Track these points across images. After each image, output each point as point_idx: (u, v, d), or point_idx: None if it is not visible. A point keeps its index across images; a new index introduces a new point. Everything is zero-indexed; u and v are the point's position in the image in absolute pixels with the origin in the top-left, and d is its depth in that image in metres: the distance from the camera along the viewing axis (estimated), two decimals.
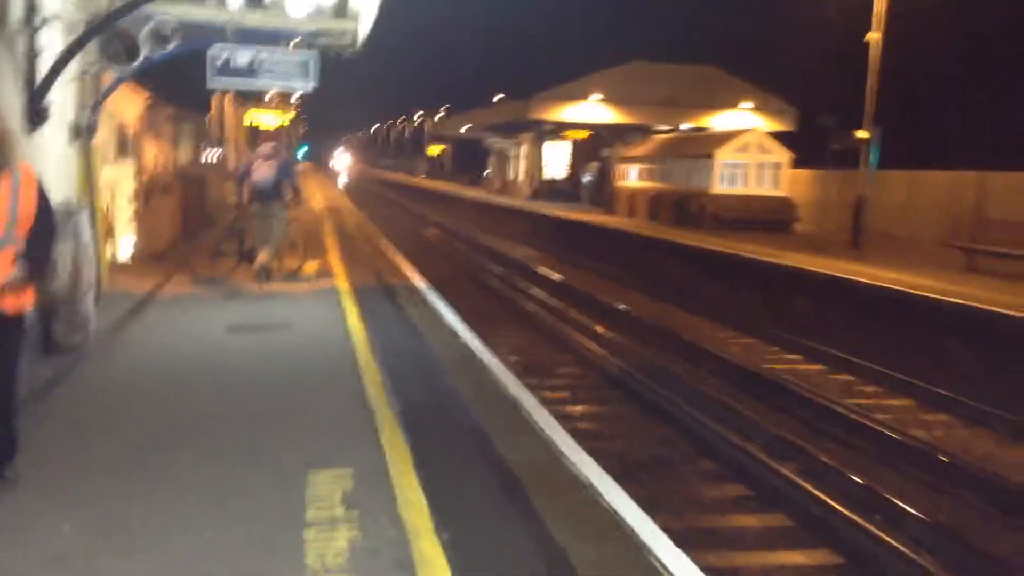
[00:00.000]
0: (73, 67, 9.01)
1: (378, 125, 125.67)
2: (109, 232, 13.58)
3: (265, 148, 12.79)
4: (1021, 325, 11.64)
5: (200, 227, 19.83)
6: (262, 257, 12.18)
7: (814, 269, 16.34)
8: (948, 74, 40.90)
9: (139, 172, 14.76)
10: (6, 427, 4.86)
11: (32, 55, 7.65)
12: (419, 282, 13.61)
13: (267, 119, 33.49)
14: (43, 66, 7.80)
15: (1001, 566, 6.62)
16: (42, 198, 4.70)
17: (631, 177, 33.24)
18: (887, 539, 6.65)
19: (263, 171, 12.19)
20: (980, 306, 12.47)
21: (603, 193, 36.75)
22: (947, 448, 9.14)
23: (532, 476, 5.24)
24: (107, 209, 12.63)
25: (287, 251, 13.43)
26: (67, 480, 4.97)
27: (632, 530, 4.47)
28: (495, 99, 52.39)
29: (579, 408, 10.42)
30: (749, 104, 39.05)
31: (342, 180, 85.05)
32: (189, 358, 8.03)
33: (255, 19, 9.94)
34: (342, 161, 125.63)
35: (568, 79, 40.22)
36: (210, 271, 12.81)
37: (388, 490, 4.89)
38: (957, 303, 12.77)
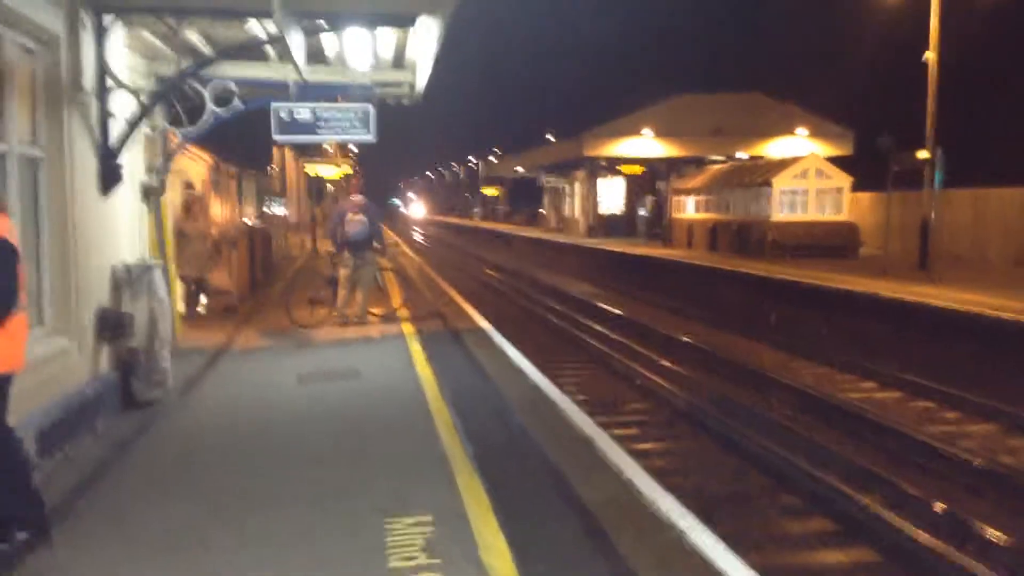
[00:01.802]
0: (141, 130, 9.31)
1: (428, 173, 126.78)
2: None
3: (356, 200, 13.49)
4: None
5: (268, 279, 20.19)
6: (358, 302, 13.33)
7: (887, 294, 15.99)
8: (1006, 88, 40.06)
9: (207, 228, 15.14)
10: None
11: (104, 120, 7.92)
12: (482, 323, 13.65)
13: (326, 171, 34.21)
14: (115, 130, 8.07)
15: None
16: None
17: (688, 209, 33.06)
18: (978, 569, 6.40)
19: (356, 223, 13.12)
20: None
21: (660, 226, 36.59)
22: None
23: (611, 515, 5.17)
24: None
25: (375, 297, 14.13)
26: (149, 531, 5.05)
27: (721, 571, 4.37)
28: (548, 138, 52.83)
29: (651, 444, 10.27)
30: (804, 130, 38.68)
31: (417, 235, 73.18)
32: (263, 409, 8.14)
33: (318, 75, 10.17)
34: (417, 210, 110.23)
35: (618, 115, 40.42)
36: (308, 318, 13.22)
37: (468, 535, 4.86)
38: None
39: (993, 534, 7.13)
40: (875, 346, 15.30)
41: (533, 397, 8.53)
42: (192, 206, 13.46)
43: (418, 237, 74.62)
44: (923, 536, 7.02)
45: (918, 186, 22.15)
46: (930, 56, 20.97)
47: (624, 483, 5.77)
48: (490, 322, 13.82)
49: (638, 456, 8.15)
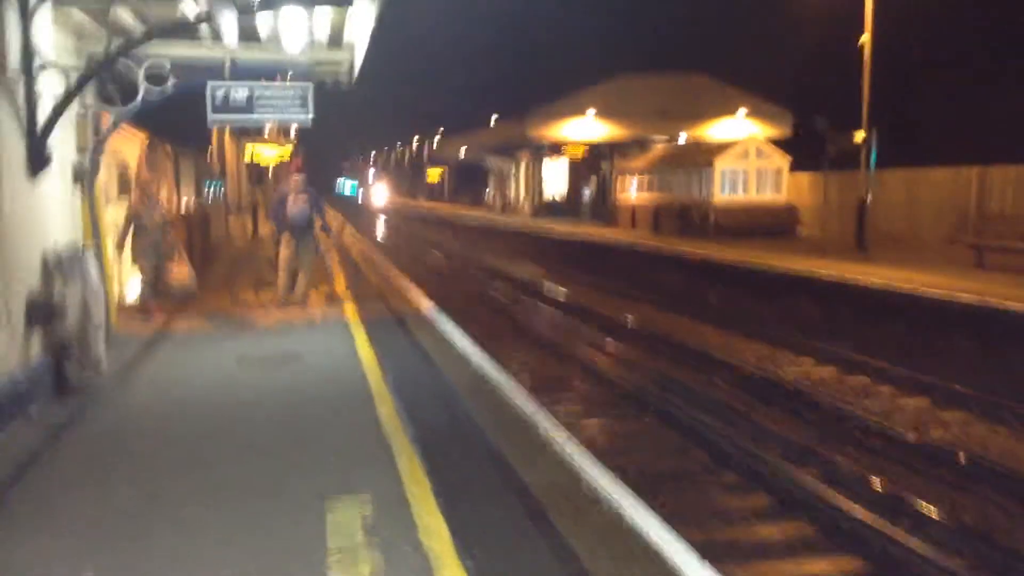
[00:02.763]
0: (72, 111, 9.06)
1: (374, 152, 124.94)
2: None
3: (297, 181, 13.15)
4: None
5: (206, 263, 19.84)
6: (300, 284, 13.09)
7: (825, 273, 16.31)
8: (940, 70, 40.94)
9: None
10: None
11: (31, 101, 7.68)
12: (426, 305, 13.61)
13: (266, 152, 33.69)
14: (42, 111, 7.83)
15: None
16: None
17: (631, 190, 33.28)
18: (912, 542, 6.59)
19: (298, 205, 12.88)
20: (1000, 304, 12.38)
21: (604, 207, 36.80)
22: (967, 446, 9.10)
23: (553, 496, 5.21)
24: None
25: (319, 280, 14.15)
26: (85, 522, 4.95)
27: (659, 549, 4.43)
28: (492, 119, 52.70)
29: (594, 424, 10.35)
30: (744, 111, 39.14)
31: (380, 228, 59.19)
32: (202, 394, 8.02)
33: (252, 55, 9.98)
34: (380, 193, 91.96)
35: (562, 96, 40.44)
36: (251, 301, 13.20)
37: (408, 517, 4.86)
38: (972, 302, 12.75)
39: (926, 507, 7.34)
40: (815, 324, 15.62)
41: (476, 380, 8.54)
42: (148, 188, 12.85)
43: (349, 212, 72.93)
44: (858, 510, 7.20)
45: (854, 167, 22.59)
46: (865, 39, 21.34)
47: (565, 464, 5.81)
48: (434, 305, 13.77)
49: (582, 436, 8.25)
